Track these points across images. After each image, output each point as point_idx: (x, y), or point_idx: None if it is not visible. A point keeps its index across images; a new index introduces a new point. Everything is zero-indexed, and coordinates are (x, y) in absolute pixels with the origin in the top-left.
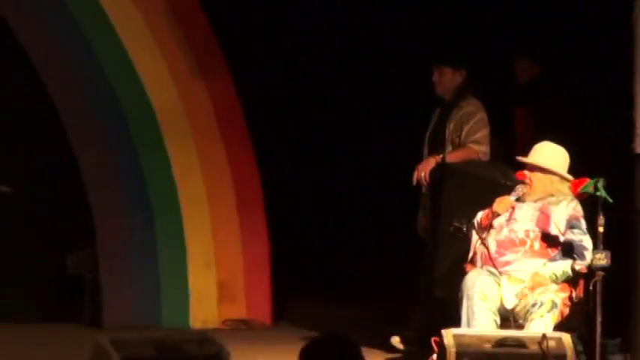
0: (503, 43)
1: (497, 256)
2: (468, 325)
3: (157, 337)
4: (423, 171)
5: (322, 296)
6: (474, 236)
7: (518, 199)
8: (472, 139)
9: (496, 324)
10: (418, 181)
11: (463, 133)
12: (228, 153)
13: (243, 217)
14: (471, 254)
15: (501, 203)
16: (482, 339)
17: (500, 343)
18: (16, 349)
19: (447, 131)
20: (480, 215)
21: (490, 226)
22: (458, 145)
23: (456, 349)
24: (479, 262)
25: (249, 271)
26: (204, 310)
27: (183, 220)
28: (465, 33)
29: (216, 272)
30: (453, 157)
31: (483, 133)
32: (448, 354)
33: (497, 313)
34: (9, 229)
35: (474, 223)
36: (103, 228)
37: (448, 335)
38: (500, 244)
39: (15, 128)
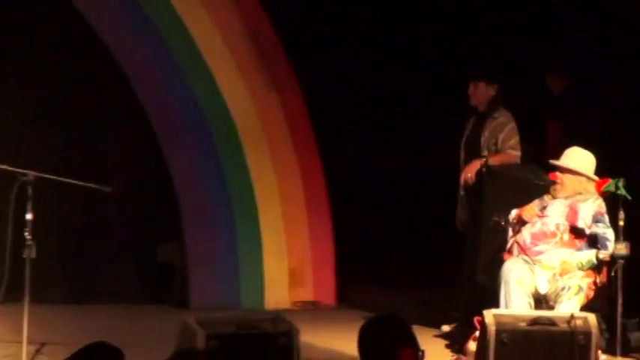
0: (536, 61)
1: (531, 246)
2: (506, 306)
3: (237, 316)
4: (470, 172)
5: (380, 281)
6: (510, 230)
7: (543, 208)
8: (508, 145)
9: (530, 305)
10: (465, 180)
11: (499, 141)
12: (297, 157)
13: (310, 213)
14: (508, 245)
15: (528, 212)
16: (518, 318)
17: (534, 322)
18: (117, 325)
19: (483, 138)
20: (514, 212)
21: (523, 222)
22: (494, 151)
23: (496, 327)
24: (515, 252)
25: (315, 260)
26: (276, 293)
27: (259, 217)
28: (501, 51)
29: (287, 261)
30: (494, 160)
31: (516, 140)
32: (489, 332)
33: (531, 296)
34: (111, 225)
35: (509, 219)
36: (190, 223)
37: (489, 315)
38: (534, 236)
39: (118, 139)
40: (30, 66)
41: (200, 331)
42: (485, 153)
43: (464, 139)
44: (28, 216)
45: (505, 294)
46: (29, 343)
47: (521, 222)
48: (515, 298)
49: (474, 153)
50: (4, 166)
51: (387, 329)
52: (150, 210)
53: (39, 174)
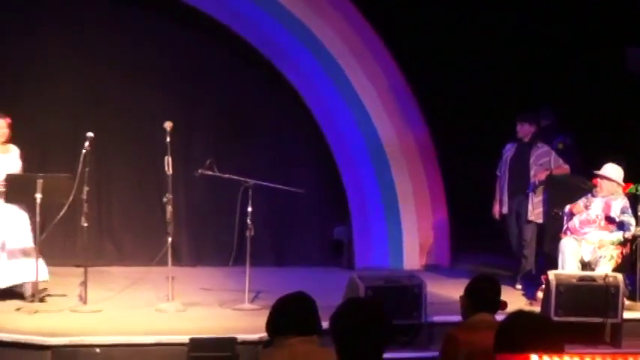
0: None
1: (579, 229)
2: (562, 268)
3: (385, 274)
4: (540, 178)
5: (483, 250)
6: (565, 218)
7: (587, 203)
8: (560, 163)
9: (578, 268)
10: (540, 182)
11: (551, 162)
12: (424, 167)
13: (433, 206)
14: (564, 228)
15: (576, 208)
16: (571, 277)
17: (581, 279)
18: (307, 280)
19: (530, 161)
20: (567, 207)
21: (573, 214)
22: (546, 169)
23: (556, 282)
24: (569, 233)
25: (436, 236)
26: (411, 258)
27: (399, 208)
28: (537, 103)
29: (418, 237)
30: (557, 171)
31: (561, 159)
32: (551, 285)
33: (579, 262)
34: (304, 214)
35: (564, 211)
36: (355, 213)
37: (551, 274)
38: (581, 222)
39: (308, 159)
40: (246, 112)
41: (361, 284)
42: (533, 170)
43: (509, 160)
44: (249, 208)
45: (562, 260)
46: (250, 291)
47: (571, 213)
48: (569, 263)
49: (522, 170)
50: (234, 176)
51: (485, 284)
52: (329, 204)
53: (256, 181)
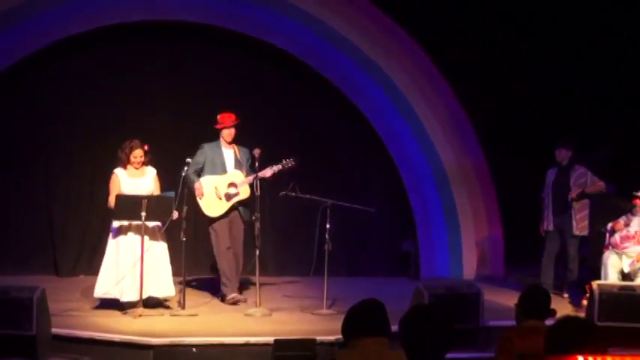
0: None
1: (620, 244)
2: (605, 279)
3: (447, 283)
4: (572, 195)
5: (533, 262)
6: (607, 235)
7: (626, 224)
8: (596, 180)
9: (619, 279)
10: (572, 199)
11: (588, 181)
12: (480, 187)
13: (489, 223)
14: (606, 243)
15: (617, 225)
16: (612, 286)
17: (622, 288)
18: (377, 289)
19: (570, 182)
20: (609, 225)
21: (614, 230)
22: (585, 186)
23: (599, 291)
24: (610, 247)
25: (491, 249)
26: (469, 269)
27: (460, 225)
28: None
29: (475, 250)
30: (591, 188)
31: (596, 177)
32: (595, 293)
33: (619, 273)
34: (374, 231)
35: (607, 228)
36: (420, 229)
37: (595, 284)
38: (622, 238)
39: (377, 181)
40: (315, 140)
41: (425, 292)
42: (573, 190)
43: (552, 184)
44: (328, 225)
45: (604, 272)
46: (327, 298)
47: (613, 230)
48: (610, 274)
49: (563, 191)
50: (314, 197)
51: (538, 294)
52: (397, 221)
53: (334, 201)
